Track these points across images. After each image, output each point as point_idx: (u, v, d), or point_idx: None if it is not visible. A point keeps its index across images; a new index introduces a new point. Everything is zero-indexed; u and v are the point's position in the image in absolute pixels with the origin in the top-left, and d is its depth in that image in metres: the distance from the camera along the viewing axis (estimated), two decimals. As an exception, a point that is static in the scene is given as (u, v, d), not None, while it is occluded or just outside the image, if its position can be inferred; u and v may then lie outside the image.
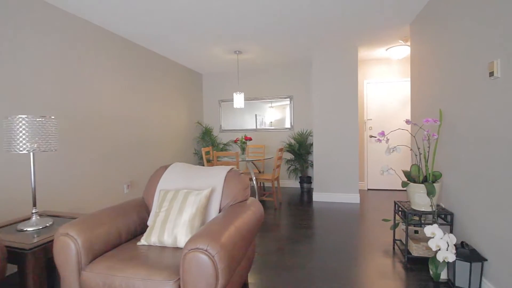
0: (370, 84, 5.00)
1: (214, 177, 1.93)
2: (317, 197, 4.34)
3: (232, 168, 2.03)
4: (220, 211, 1.85)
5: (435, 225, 1.79)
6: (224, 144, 5.73)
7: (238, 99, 4.23)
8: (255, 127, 5.54)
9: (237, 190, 1.90)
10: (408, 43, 3.98)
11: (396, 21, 3.22)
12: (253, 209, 1.84)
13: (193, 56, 4.50)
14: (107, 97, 3.30)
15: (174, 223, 1.69)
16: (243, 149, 4.24)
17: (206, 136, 5.66)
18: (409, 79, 4.81)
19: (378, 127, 4.98)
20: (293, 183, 5.45)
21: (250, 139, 4.29)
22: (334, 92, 4.20)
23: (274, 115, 5.48)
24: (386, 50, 4.30)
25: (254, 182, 3.91)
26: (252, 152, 5.00)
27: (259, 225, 1.90)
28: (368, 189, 5.08)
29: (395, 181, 4.99)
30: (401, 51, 4.15)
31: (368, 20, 3.19)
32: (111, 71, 3.36)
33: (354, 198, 4.19)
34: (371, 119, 5.02)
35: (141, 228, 1.91)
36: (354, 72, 4.13)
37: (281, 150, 4.01)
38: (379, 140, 2.27)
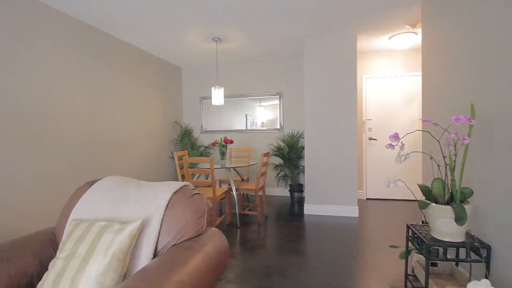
0: (370, 80, 4.42)
1: (152, 201, 1.29)
2: (309, 209, 3.73)
3: (184, 187, 1.39)
4: (156, 255, 1.21)
5: (486, 282, 1.18)
6: (206, 147, 5.09)
7: (217, 95, 3.59)
8: (245, 128, 4.90)
9: (185, 221, 1.26)
10: (416, 30, 3.40)
11: (405, -2, 2.63)
12: (209, 250, 1.21)
13: (167, 45, 3.86)
14: (59, 88, 2.64)
15: (71, 280, 1.05)
16: (223, 154, 3.61)
17: (186, 138, 5.01)
18: (414, 73, 4.24)
19: (379, 128, 4.40)
20: (283, 191, 4.84)
21: (231, 142, 3.66)
22: (329, 88, 3.60)
23: (266, 115, 4.85)
24: (389, 39, 3.71)
25: (234, 193, 3.27)
26: (235, 156, 4.37)
27: (221, 270, 1.27)
28: (367, 199, 4.49)
29: (399, 189, 4.41)
30: (407, 39, 3.57)
31: (371, -3, 2.60)
32: (68, 59, 2.70)
33: (352, 211, 3.59)
34: (370, 119, 4.43)
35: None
36: (352, 64, 3.54)
37: (266, 154, 3.38)
38: (391, 146, 1.67)
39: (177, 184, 1.38)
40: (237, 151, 4.62)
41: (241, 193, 3.86)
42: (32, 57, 2.51)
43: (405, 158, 1.85)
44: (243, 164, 3.48)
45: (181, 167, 4.17)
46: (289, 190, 4.45)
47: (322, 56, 3.63)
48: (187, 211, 1.27)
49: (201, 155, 4.92)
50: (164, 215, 1.26)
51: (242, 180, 3.88)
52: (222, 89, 3.62)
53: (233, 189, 3.28)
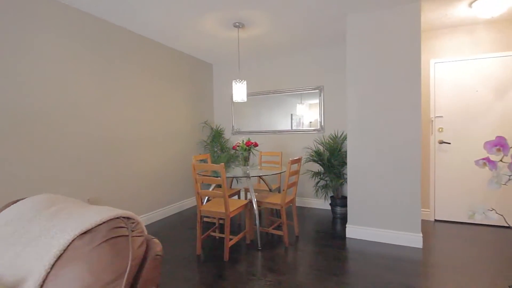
0: (441, 65, 3.37)
1: (43, 247, 0.80)
2: (353, 232, 2.92)
3: (108, 222, 0.87)
4: None
5: None
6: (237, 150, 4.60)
7: (239, 90, 3.06)
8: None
9: None
10: (516, -15, 2.35)
11: None
12: None
13: (184, 35, 3.49)
14: (58, 83, 2.45)
15: None
16: (245, 159, 3.06)
17: (216, 140, 4.61)
18: (509, 53, 3.07)
19: (453, 129, 3.32)
20: (322, 204, 4.06)
21: (255, 145, 3.09)
22: (380, 77, 2.75)
23: (311, 114, 4.15)
24: (470, 5, 2.69)
25: (255, 207, 2.69)
26: (266, 161, 3.79)
27: None
28: (436, 221, 3.43)
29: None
30: (498, 2, 2.52)
31: None
32: (74, 52, 2.51)
33: (413, 239, 2.67)
34: (441, 117, 3.38)
35: None
36: (414, 45, 2.63)
37: (296, 161, 2.72)
38: (492, 166, 0.91)
39: (97, 217, 0.86)
40: (268, 155, 4.03)
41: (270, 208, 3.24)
42: (36, 54, 2.33)
43: (509, 179, 1.07)
44: (273, 171, 2.87)
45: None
46: (330, 204, 3.67)
47: (370, 36, 2.80)
48: (87, 270, 0.74)
49: (230, 158, 4.45)
50: (49, 274, 0.75)
51: (270, 190, 3.27)
52: (245, 83, 3.07)
53: (253, 203, 2.71)
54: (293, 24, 3.13)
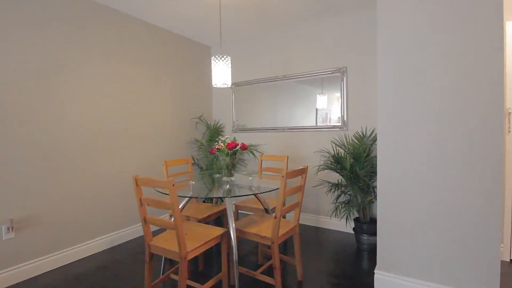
0: (531, 26, 2.19)
1: None
2: (384, 282, 1.91)
3: None
4: None
5: None
6: (215, 155, 3.74)
7: (220, 70, 2.18)
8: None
9: None
10: None
11: None
12: None
13: (167, 9, 2.69)
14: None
15: None
16: (227, 167, 2.18)
17: (213, 139, 3.79)
18: None
19: (552, 124, 2.13)
20: (343, 226, 3.05)
21: (243, 148, 2.20)
22: (436, 46, 1.69)
23: (334, 107, 3.15)
24: None
25: (234, 240, 1.81)
26: (267, 169, 2.89)
27: None
28: (518, 263, 2.28)
29: None
30: None
31: None
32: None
33: (489, 305, 1.60)
34: (530, 106, 2.20)
35: None
36: (487, 3, 1.54)
37: (298, 173, 1.80)
38: None
39: None
40: (270, 161, 3.12)
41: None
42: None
43: None
44: (270, 185, 1.98)
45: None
46: (354, 229, 2.67)
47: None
48: None
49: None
50: None
51: (267, 211, 2.36)
52: (229, 61, 2.19)
53: (231, 234, 1.83)
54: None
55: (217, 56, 2.17)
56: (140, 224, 2.98)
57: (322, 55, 3.12)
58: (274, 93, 3.50)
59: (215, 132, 3.79)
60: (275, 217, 1.74)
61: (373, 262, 2.32)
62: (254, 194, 1.87)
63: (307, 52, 3.23)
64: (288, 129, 3.38)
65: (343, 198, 2.91)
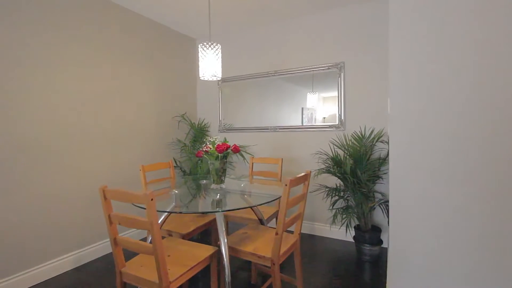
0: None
1: None
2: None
3: None
4: None
5: None
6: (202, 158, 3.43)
7: (209, 61, 1.87)
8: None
9: None
10: None
11: None
12: None
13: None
14: None
15: None
16: (217, 173, 1.88)
17: (198, 139, 3.46)
18: None
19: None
20: (342, 234, 2.84)
21: (236, 150, 1.91)
22: (460, 35, 1.48)
23: (326, 108, 2.93)
24: None
25: (226, 260, 1.52)
26: (258, 173, 2.61)
27: None
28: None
29: None
30: None
31: None
32: None
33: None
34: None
35: None
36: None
37: (301, 180, 1.53)
38: None
39: None
40: (262, 163, 2.85)
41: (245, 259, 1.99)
42: None
43: None
44: (265, 195, 1.70)
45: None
46: (355, 237, 2.45)
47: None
48: None
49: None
50: None
51: (261, 222, 2.08)
52: (219, 49, 1.88)
53: (223, 252, 1.53)
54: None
55: (205, 44, 1.85)
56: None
57: (318, 49, 2.89)
58: (264, 90, 3.22)
59: (199, 132, 3.46)
60: (277, 234, 1.46)
61: (375, 270, 2.11)
62: (251, 207, 1.58)
63: (301, 47, 2.98)
64: (279, 128, 3.12)
65: (340, 203, 2.69)
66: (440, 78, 1.50)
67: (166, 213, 1.84)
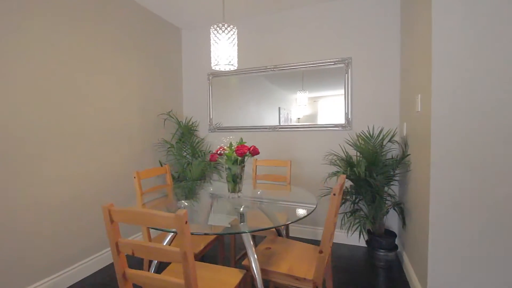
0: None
1: None
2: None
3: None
4: None
5: None
6: (217, 163, 3.12)
7: (224, 47, 1.58)
8: (278, 124, 2.87)
9: None
10: None
11: None
12: None
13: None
14: None
15: None
16: (234, 180, 1.60)
17: (185, 140, 3.10)
18: None
19: None
20: (348, 238, 2.70)
21: (254, 152, 1.64)
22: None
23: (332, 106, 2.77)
24: None
25: (259, 284, 1.25)
26: (262, 177, 2.36)
27: None
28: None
29: None
30: None
31: None
32: None
33: None
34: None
35: None
36: None
37: (340, 189, 1.32)
38: None
39: None
40: (266, 166, 2.61)
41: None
42: None
43: None
44: (279, 189, 1.45)
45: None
46: (367, 242, 2.31)
47: None
48: None
49: (205, 170, 2.96)
50: None
51: (279, 234, 1.83)
52: (235, 33, 1.60)
53: (256, 276, 1.26)
54: None
55: (218, 26, 1.56)
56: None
57: (322, 43, 2.72)
58: (260, 86, 2.97)
59: (187, 132, 3.10)
60: (321, 252, 1.23)
61: (391, 278, 1.98)
62: (287, 225, 1.32)
63: (303, 40, 2.79)
64: (280, 128, 2.90)
65: (349, 207, 2.55)
66: (481, 76, 1.37)
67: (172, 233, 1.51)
